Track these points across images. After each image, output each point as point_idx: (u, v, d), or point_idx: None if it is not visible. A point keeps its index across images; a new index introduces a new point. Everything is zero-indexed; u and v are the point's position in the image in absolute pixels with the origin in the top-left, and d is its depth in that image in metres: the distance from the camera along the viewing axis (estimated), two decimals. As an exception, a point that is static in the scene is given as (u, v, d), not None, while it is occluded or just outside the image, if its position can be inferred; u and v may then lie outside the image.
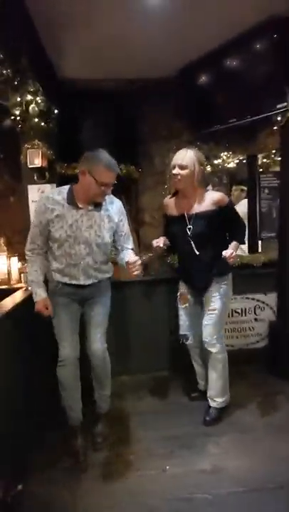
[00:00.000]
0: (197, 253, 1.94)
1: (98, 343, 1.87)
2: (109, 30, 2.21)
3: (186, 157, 1.87)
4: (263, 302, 2.82)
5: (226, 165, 3.35)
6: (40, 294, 1.82)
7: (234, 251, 1.90)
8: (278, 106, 2.26)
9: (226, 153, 3.10)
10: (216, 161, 3.30)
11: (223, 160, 3.20)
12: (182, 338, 2.19)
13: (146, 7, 2.01)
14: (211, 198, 1.93)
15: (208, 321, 2.03)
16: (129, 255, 1.80)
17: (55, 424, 1.95)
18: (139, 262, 1.74)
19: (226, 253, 1.86)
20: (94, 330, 1.89)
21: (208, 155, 3.12)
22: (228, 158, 3.18)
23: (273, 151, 2.97)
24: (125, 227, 1.91)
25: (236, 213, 2.05)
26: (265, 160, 3.48)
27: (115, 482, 1.69)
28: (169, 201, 2.08)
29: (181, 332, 2.18)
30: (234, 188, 3.78)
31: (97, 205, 1.78)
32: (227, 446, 1.91)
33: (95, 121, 2.82)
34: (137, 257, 1.75)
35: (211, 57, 2.59)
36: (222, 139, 2.88)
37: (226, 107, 2.73)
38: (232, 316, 2.79)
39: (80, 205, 1.75)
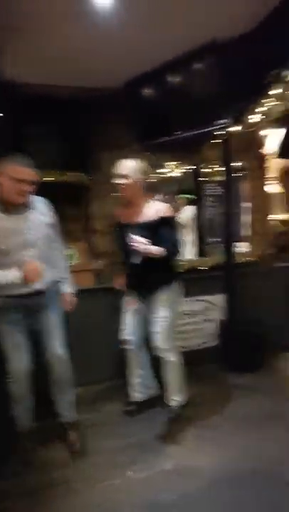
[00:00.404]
0: (141, 262, 1.92)
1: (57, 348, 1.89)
2: (59, 37, 2.20)
3: (127, 167, 1.92)
4: (212, 303, 3.00)
5: (173, 174, 3.52)
6: None
7: (150, 248, 1.84)
8: (219, 122, 2.47)
9: (173, 163, 3.26)
10: (164, 170, 3.44)
11: (171, 169, 3.36)
12: (123, 343, 2.18)
13: (96, 19, 2.05)
14: (155, 208, 1.97)
15: (159, 328, 2.03)
16: (65, 287, 1.95)
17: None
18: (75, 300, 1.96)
19: (141, 240, 1.83)
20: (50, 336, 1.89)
21: (156, 164, 3.26)
22: (175, 167, 3.35)
23: (214, 162, 3.20)
24: (57, 234, 1.91)
25: (174, 228, 2.04)
26: (207, 170, 3.75)
27: (80, 496, 1.64)
28: (119, 210, 2.12)
29: (123, 337, 2.17)
30: (179, 196, 4.00)
31: (24, 208, 1.72)
32: (189, 445, 1.97)
33: (45, 128, 2.75)
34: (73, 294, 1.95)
35: (157, 72, 2.72)
36: (169, 150, 3.02)
37: (172, 120, 2.88)
38: (184, 318, 2.91)
39: (7, 211, 1.69)
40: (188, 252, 3.46)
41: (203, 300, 2.99)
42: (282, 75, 1.98)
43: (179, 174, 3.67)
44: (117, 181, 1.94)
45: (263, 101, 2.24)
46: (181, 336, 2.90)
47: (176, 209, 3.89)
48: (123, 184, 1.92)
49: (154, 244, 1.87)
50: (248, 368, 2.75)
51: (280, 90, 2.07)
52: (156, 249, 1.86)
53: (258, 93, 2.24)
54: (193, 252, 3.46)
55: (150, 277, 1.99)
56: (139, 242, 1.83)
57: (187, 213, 3.81)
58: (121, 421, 2.21)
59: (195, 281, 2.92)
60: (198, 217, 3.24)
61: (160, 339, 2.04)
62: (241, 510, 1.54)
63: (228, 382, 2.63)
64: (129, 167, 1.92)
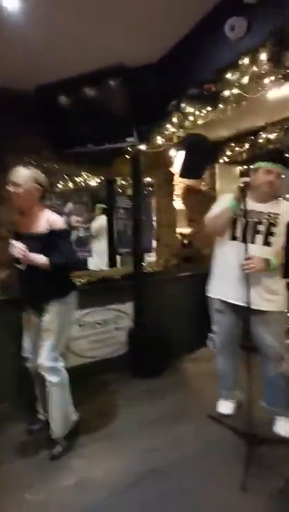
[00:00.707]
0: (26, 269, 1.85)
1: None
2: None
3: (20, 175, 1.88)
4: (122, 311, 3.10)
5: (87, 183, 3.56)
6: None
7: (29, 256, 1.78)
8: (128, 139, 2.61)
9: (86, 173, 3.29)
10: (77, 179, 3.44)
11: (84, 179, 3.39)
12: (25, 361, 2.10)
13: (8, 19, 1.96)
14: (46, 219, 1.92)
15: (42, 342, 1.94)
16: None
17: None
18: None
19: (20, 246, 1.77)
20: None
21: (68, 174, 3.24)
22: (88, 177, 3.38)
23: (126, 176, 3.35)
24: None
25: (65, 239, 1.99)
26: (122, 182, 3.89)
27: None
28: (17, 218, 2.05)
29: (24, 354, 2.09)
30: (97, 206, 4.08)
31: None
32: (92, 456, 1.98)
33: None
34: None
35: (70, 82, 2.73)
36: (82, 161, 3.04)
37: (84, 132, 2.91)
38: (94, 328, 2.94)
39: None
40: (100, 261, 3.52)
41: (113, 309, 3.07)
42: (181, 106, 2.22)
43: (93, 184, 3.73)
44: (9, 188, 1.87)
45: (165, 126, 2.45)
46: (92, 346, 2.92)
47: (90, 218, 3.94)
48: (15, 192, 1.87)
49: (45, 255, 1.83)
50: (153, 372, 2.92)
51: (178, 119, 2.30)
52: (36, 258, 1.80)
53: (161, 118, 2.45)
54: (105, 262, 3.53)
55: (38, 287, 1.92)
56: (18, 249, 1.77)
57: (100, 222, 3.88)
58: (23, 441, 2.10)
59: (106, 291, 2.99)
60: (110, 227, 3.33)
61: (42, 355, 1.92)
62: None
63: (135, 388, 2.74)
64: (22, 175, 1.88)
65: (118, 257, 3.55)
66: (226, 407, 2.34)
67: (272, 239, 1.97)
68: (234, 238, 2.05)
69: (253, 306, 1.92)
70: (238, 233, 2.03)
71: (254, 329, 2.05)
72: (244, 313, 2.01)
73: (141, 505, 1.64)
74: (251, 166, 2.08)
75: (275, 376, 2.05)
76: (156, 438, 2.12)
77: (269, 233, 1.97)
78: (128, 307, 3.11)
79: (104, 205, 3.76)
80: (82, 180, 3.57)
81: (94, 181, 3.73)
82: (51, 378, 1.93)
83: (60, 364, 1.98)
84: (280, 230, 1.94)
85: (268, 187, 1.97)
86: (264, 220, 1.99)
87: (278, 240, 1.94)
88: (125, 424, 2.28)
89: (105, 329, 3.02)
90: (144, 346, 2.96)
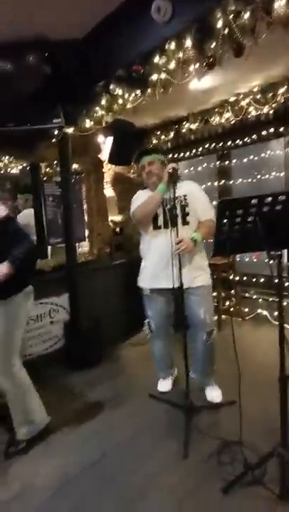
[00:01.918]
0: None
1: None
2: None
3: None
4: (57, 304, 2.96)
5: (8, 170, 3.24)
6: None
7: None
8: (54, 121, 2.45)
9: (7, 157, 3.00)
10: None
11: (5, 165, 3.08)
12: None
13: None
14: None
15: None
16: None
17: None
18: None
19: None
20: None
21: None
22: (10, 163, 3.09)
23: (53, 162, 3.16)
24: None
25: (16, 230, 1.90)
26: (48, 169, 3.66)
27: None
28: None
29: None
30: (19, 196, 3.73)
31: None
32: (29, 455, 1.89)
33: None
34: None
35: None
36: (3, 144, 2.76)
37: (3, 110, 2.63)
38: (27, 324, 2.74)
39: None
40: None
41: (47, 303, 2.91)
42: (109, 88, 2.16)
43: (15, 171, 3.43)
44: None
45: (94, 108, 2.37)
46: (27, 344, 2.73)
47: (16, 208, 3.62)
48: None
49: None
50: (91, 363, 2.88)
51: (106, 102, 2.25)
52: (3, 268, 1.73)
53: (89, 100, 2.35)
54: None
55: None
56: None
57: (28, 220, 3.59)
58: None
59: (38, 284, 2.79)
60: (39, 217, 3.12)
61: None
62: (90, 508, 1.58)
63: (73, 381, 2.67)
64: None
65: (50, 248, 3.35)
66: (164, 385, 2.45)
67: (188, 218, 2.11)
68: (158, 227, 2.13)
69: (187, 285, 2.03)
70: (160, 221, 2.12)
71: (186, 306, 2.15)
72: (176, 294, 2.09)
73: (81, 497, 1.62)
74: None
75: (204, 347, 2.19)
76: (94, 427, 2.11)
77: (185, 214, 2.10)
78: (63, 300, 2.98)
79: (28, 195, 3.48)
80: (2, 165, 3.25)
81: (16, 167, 3.44)
82: (4, 385, 1.86)
83: (12, 369, 1.87)
84: (192, 209, 2.10)
85: (147, 177, 2.16)
86: (176, 205, 2.07)
87: (193, 218, 2.11)
88: (63, 418, 2.20)
89: (40, 324, 2.85)
90: (80, 338, 2.89)
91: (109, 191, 3.79)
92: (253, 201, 1.27)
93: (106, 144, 3.45)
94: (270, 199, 1.26)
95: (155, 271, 2.16)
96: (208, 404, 2.23)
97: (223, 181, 4.11)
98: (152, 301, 2.25)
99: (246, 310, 3.84)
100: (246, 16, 1.51)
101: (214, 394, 2.28)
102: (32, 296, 2.02)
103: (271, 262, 1.37)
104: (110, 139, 3.35)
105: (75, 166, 3.43)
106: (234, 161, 4.04)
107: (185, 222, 2.10)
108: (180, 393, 2.15)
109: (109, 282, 3.34)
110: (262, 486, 1.55)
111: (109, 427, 2.10)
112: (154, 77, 1.93)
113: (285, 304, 3.51)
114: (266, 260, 1.36)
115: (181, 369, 2.06)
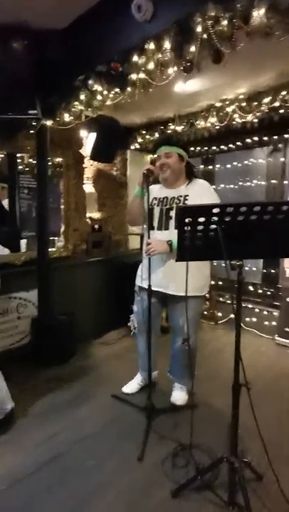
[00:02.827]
0: None
1: None
2: None
3: None
4: (26, 299, 2.91)
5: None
6: None
7: None
8: (30, 112, 2.39)
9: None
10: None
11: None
12: None
13: None
14: None
15: None
16: None
17: None
18: None
19: None
20: None
21: None
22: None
23: (31, 154, 3.08)
24: None
25: None
26: (30, 160, 3.56)
27: None
28: None
29: None
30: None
31: None
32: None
33: None
34: None
35: None
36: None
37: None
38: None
39: None
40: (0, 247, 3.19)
41: (15, 297, 2.85)
42: (88, 83, 2.12)
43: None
44: None
45: (73, 102, 2.32)
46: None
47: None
48: None
49: None
50: (59, 360, 2.84)
51: (86, 97, 2.20)
52: None
53: (68, 93, 2.30)
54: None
55: None
56: None
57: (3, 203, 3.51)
58: None
59: (7, 278, 2.73)
60: (12, 209, 3.04)
61: None
62: (43, 507, 1.56)
63: (39, 377, 2.63)
64: None
65: (25, 242, 3.27)
66: (129, 387, 2.43)
67: None
68: (152, 227, 2.08)
69: (171, 292, 2.03)
70: (155, 223, 2.06)
71: (169, 309, 2.18)
72: (163, 298, 2.10)
73: (29, 497, 1.59)
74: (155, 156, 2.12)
75: (179, 351, 2.19)
76: (58, 424, 2.09)
77: None
78: (32, 295, 2.92)
79: (4, 184, 3.39)
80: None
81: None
82: None
83: None
84: None
85: (161, 170, 2.00)
86: (174, 205, 2.01)
87: None
88: (27, 415, 2.18)
89: (6, 319, 2.79)
90: (48, 334, 2.84)
91: (89, 187, 3.74)
92: (215, 210, 1.27)
93: (89, 139, 3.39)
94: (231, 209, 1.26)
95: (145, 269, 2.09)
96: (172, 406, 2.24)
97: (205, 185, 4.14)
98: (138, 296, 2.22)
99: (220, 314, 3.88)
100: (224, 22, 1.50)
101: (177, 397, 2.28)
102: None
103: (231, 271, 1.37)
104: (93, 135, 3.29)
105: (58, 159, 3.37)
106: (218, 166, 4.07)
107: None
108: (145, 395, 2.15)
109: (84, 279, 3.30)
110: (211, 491, 1.57)
111: (68, 426, 2.07)
112: (134, 76, 1.90)
113: (257, 310, 3.58)
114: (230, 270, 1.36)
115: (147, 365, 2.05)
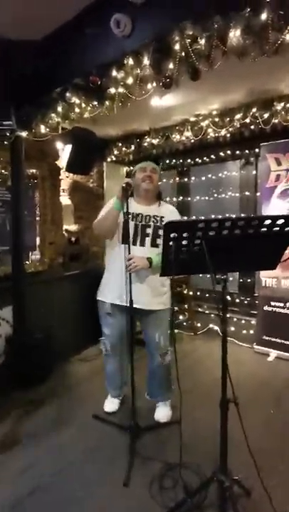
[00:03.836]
0: None
1: None
2: None
3: None
4: (0, 317, 2.75)
5: None
6: None
7: None
8: (4, 123, 2.31)
9: None
10: None
11: None
12: None
13: None
14: None
15: None
16: None
17: None
18: None
19: None
20: None
21: None
22: None
23: (4, 165, 2.98)
24: None
25: None
26: (3, 171, 3.44)
27: None
28: None
29: None
30: None
31: None
32: None
33: None
34: None
35: None
36: None
37: None
38: None
39: None
40: None
41: (-12, 315, 2.69)
42: (66, 95, 2.09)
43: None
44: None
45: (49, 114, 2.27)
46: None
47: None
48: None
49: None
50: (35, 380, 2.69)
51: (63, 109, 2.17)
52: None
53: (44, 105, 2.26)
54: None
55: None
56: None
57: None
58: None
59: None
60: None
61: None
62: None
63: (14, 400, 2.48)
64: None
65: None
66: (111, 405, 2.35)
67: (158, 240, 2.05)
68: (126, 242, 2.03)
69: (144, 307, 1.99)
70: (130, 237, 2.02)
71: (143, 327, 2.14)
72: (134, 313, 2.01)
73: None
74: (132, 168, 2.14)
75: (159, 369, 2.17)
76: (35, 453, 1.95)
77: (156, 236, 2.05)
78: (6, 312, 2.77)
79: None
80: None
81: None
82: None
83: None
84: None
85: (145, 182, 2.04)
86: (151, 223, 2.06)
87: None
88: (1, 444, 2.02)
89: (-23, 339, 2.62)
90: (23, 353, 2.69)
91: (66, 199, 3.67)
92: (200, 225, 1.26)
93: (64, 151, 3.34)
94: (216, 224, 1.26)
95: (114, 285, 2.07)
96: (156, 424, 2.18)
97: (181, 197, 4.19)
98: (110, 319, 2.15)
99: (199, 325, 3.89)
100: (202, 41, 1.54)
101: (161, 414, 2.23)
102: None
103: (217, 285, 1.37)
104: (69, 147, 3.25)
105: (33, 171, 3.28)
106: (193, 178, 4.15)
107: (154, 244, 2.04)
108: (127, 413, 2.07)
109: (61, 294, 3.19)
110: (201, 513, 1.52)
111: (49, 452, 1.95)
112: (112, 90, 1.89)
113: (235, 319, 3.63)
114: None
115: (130, 388, 1.98)
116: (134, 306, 1.92)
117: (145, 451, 1.92)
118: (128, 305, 1.91)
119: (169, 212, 2.12)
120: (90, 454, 1.94)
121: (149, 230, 2.04)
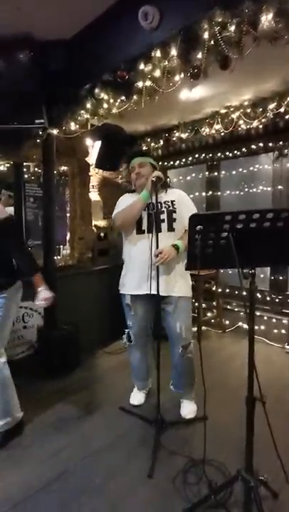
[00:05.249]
0: None
1: None
2: None
3: None
4: (31, 309, 2.87)
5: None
6: None
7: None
8: (37, 121, 2.39)
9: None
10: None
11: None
12: None
13: None
14: None
15: None
16: None
17: None
18: None
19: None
20: None
21: None
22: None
23: (37, 163, 3.10)
24: None
25: (15, 236, 2.01)
26: (36, 169, 3.58)
27: None
28: None
29: None
30: (3, 192, 3.64)
31: None
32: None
33: None
34: None
35: None
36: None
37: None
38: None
39: None
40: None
41: (21, 306, 2.82)
42: (94, 92, 2.12)
43: (2, 168, 3.34)
44: None
45: (79, 111, 2.32)
46: None
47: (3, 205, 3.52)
48: None
49: None
50: (65, 371, 2.79)
51: (92, 106, 2.20)
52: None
53: (74, 103, 2.30)
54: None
55: None
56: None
57: (9, 212, 3.51)
58: None
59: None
60: (18, 217, 3.04)
61: None
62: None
63: (45, 389, 2.58)
64: None
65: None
66: (137, 398, 2.38)
67: (174, 225, 2.06)
68: (141, 231, 2.07)
69: (165, 293, 1.99)
70: (144, 226, 2.06)
71: (162, 317, 2.11)
72: (156, 303, 2.02)
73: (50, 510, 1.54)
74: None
75: (181, 361, 2.15)
76: (65, 438, 2.03)
77: (172, 220, 2.06)
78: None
79: (10, 192, 3.40)
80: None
81: (4, 165, 3.35)
82: None
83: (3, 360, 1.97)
84: (179, 216, 2.06)
85: (137, 180, 2.13)
86: (164, 209, 2.06)
87: (179, 225, 2.06)
88: (33, 429, 2.12)
89: (13, 328, 2.74)
90: (54, 344, 2.80)
91: (95, 195, 3.73)
92: (227, 217, 1.23)
93: (94, 147, 3.40)
94: (244, 216, 1.22)
95: (137, 277, 2.08)
96: (180, 419, 2.18)
97: (211, 192, 4.11)
98: (133, 310, 2.17)
99: (227, 322, 3.81)
100: (232, 28, 1.49)
101: (187, 410, 2.22)
102: (21, 290, 2.07)
103: (244, 280, 1.33)
104: (98, 143, 3.30)
105: (64, 168, 3.37)
106: (223, 172, 4.04)
107: (171, 229, 2.04)
108: (152, 407, 2.08)
109: (89, 287, 3.27)
110: (225, 511, 1.50)
111: (76, 440, 2.01)
112: (140, 84, 1.89)
113: (265, 318, 3.51)
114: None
115: (156, 381, 1.99)
116: (153, 293, 1.94)
117: (170, 445, 1.93)
118: (149, 293, 1.98)
119: (177, 194, 2.13)
120: (116, 443, 1.98)
121: (164, 216, 2.05)
